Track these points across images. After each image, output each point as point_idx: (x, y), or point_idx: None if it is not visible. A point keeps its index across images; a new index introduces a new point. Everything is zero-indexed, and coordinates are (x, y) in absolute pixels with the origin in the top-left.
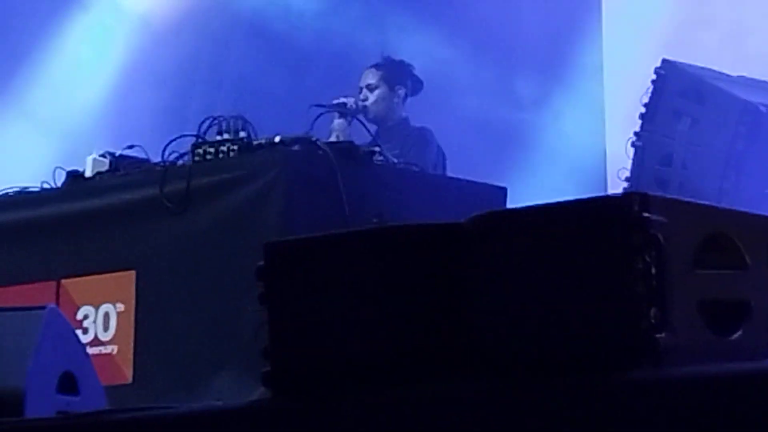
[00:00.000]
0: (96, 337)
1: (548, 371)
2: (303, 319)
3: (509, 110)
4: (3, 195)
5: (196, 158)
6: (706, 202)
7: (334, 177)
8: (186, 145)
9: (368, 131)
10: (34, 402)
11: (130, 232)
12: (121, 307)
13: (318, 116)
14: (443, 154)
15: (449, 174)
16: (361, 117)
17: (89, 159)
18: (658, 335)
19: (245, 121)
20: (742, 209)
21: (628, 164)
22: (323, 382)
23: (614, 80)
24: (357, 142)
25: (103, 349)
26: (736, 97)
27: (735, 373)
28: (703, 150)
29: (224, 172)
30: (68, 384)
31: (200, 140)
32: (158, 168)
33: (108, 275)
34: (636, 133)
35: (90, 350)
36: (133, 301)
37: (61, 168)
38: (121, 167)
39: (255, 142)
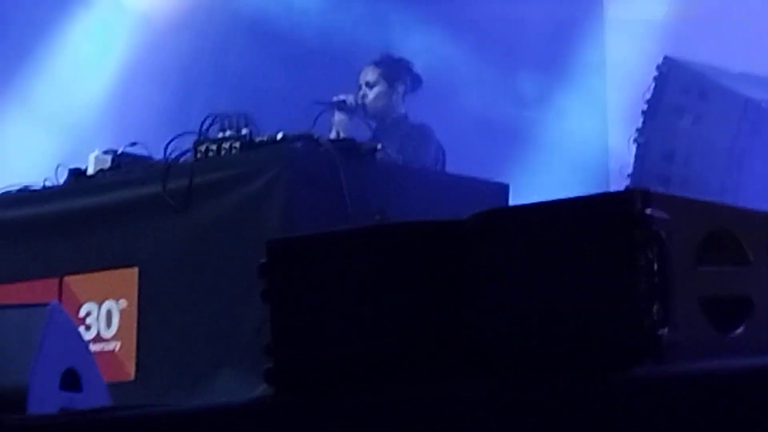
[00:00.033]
0: (99, 334)
1: (550, 368)
2: (305, 316)
3: (512, 107)
4: (5, 192)
5: (198, 155)
6: (709, 199)
7: (336, 174)
8: (188, 142)
9: (369, 127)
10: (37, 399)
11: (133, 230)
12: (123, 303)
13: (320, 113)
14: (443, 151)
15: (451, 171)
16: (360, 114)
17: (91, 156)
18: (660, 332)
19: (247, 119)
20: (745, 206)
21: (631, 161)
22: (325, 379)
23: (616, 77)
24: (357, 138)
25: (105, 346)
26: (739, 94)
27: (737, 369)
28: (705, 146)
29: (226, 169)
30: (71, 381)
31: (202, 137)
32: (160, 165)
33: (110, 272)
34: (638, 130)
35: (93, 347)
36: (136, 298)
37: (63, 165)
38: (124, 164)
39: (257, 139)
